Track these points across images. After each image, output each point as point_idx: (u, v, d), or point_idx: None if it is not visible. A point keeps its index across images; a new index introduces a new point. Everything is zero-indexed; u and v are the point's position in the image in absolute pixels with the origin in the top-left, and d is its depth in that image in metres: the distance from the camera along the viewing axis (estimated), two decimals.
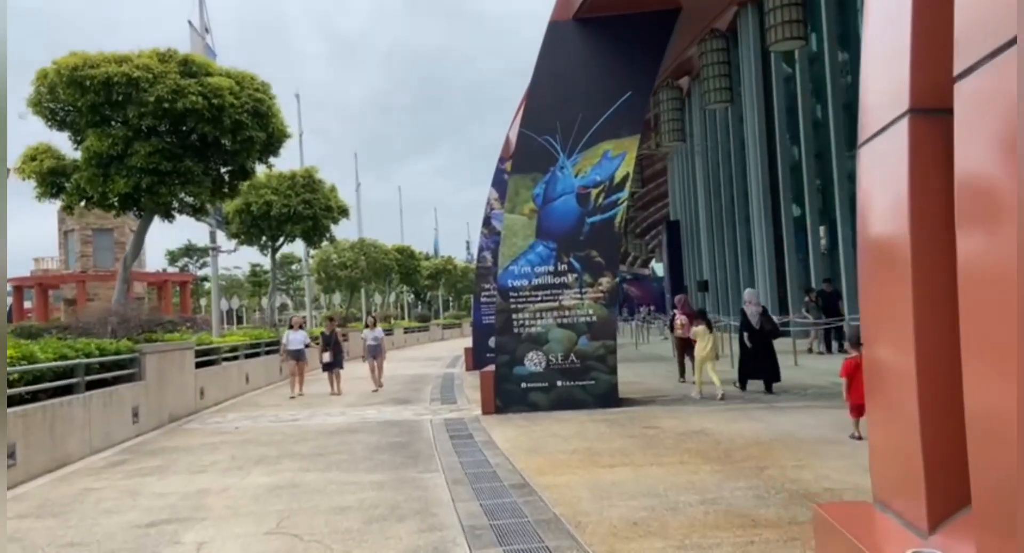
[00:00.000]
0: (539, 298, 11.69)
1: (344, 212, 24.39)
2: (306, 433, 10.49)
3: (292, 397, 15.04)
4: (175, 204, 13.82)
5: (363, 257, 36.49)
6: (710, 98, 25.20)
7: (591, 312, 11.63)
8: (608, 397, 11.47)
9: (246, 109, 12.98)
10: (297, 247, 32.47)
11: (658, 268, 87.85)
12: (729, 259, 40.79)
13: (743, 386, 13.10)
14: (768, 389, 12.49)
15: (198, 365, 14.09)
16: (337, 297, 55.03)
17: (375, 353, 15.57)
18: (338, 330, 15.95)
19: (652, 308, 56.50)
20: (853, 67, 26.37)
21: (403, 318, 57.49)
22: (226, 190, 14.27)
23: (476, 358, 21.08)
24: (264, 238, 23.58)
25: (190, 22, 18.48)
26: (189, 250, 73.92)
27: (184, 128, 12.74)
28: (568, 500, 5.93)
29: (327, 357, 15.29)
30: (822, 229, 29.13)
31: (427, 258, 58.50)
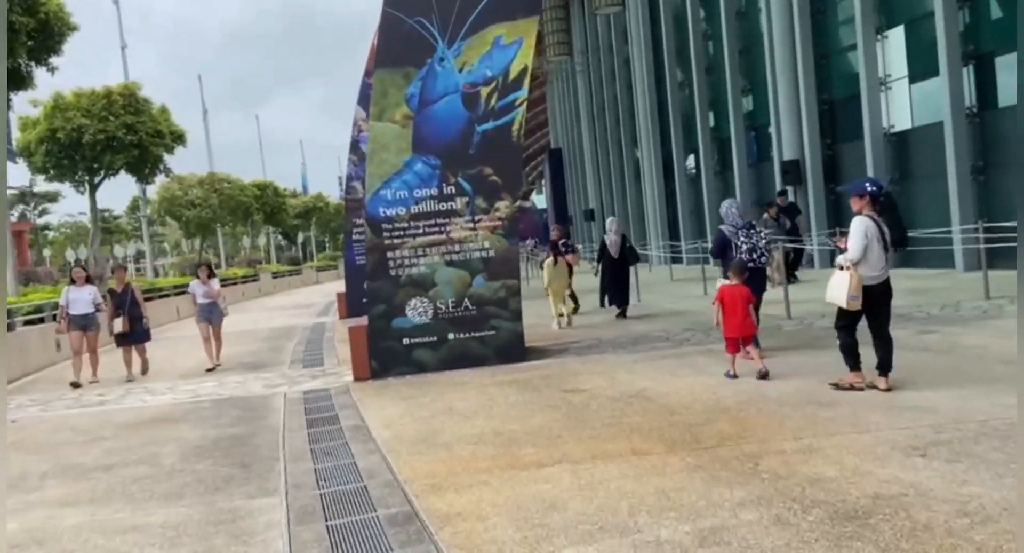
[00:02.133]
0: (420, 230, 9.20)
1: (179, 138, 20.59)
2: (106, 426, 7.69)
3: (75, 384, 10.45)
4: None
5: (215, 194, 32.32)
6: (600, 1, 22.81)
7: (487, 245, 9.28)
8: (513, 349, 9.28)
9: None
10: (130, 186, 27.80)
11: (539, 200, 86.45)
12: (616, 185, 39.41)
13: (602, 303, 13.72)
14: (623, 314, 13.17)
15: None
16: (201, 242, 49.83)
17: (209, 315, 11.32)
18: (135, 286, 11.60)
19: (537, 241, 55.13)
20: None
21: (272, 262, 53.26)
22: None
23: (350, 304, 18.54)
24: (79, 172, 19.51)
25: None
26: (25, 195, 65.43)
27: None
28: (483, 552, 3.65)
29: (120, 325, 10.58)
30: (714, 148, 27.89)
31: (294, 195, 54.02)
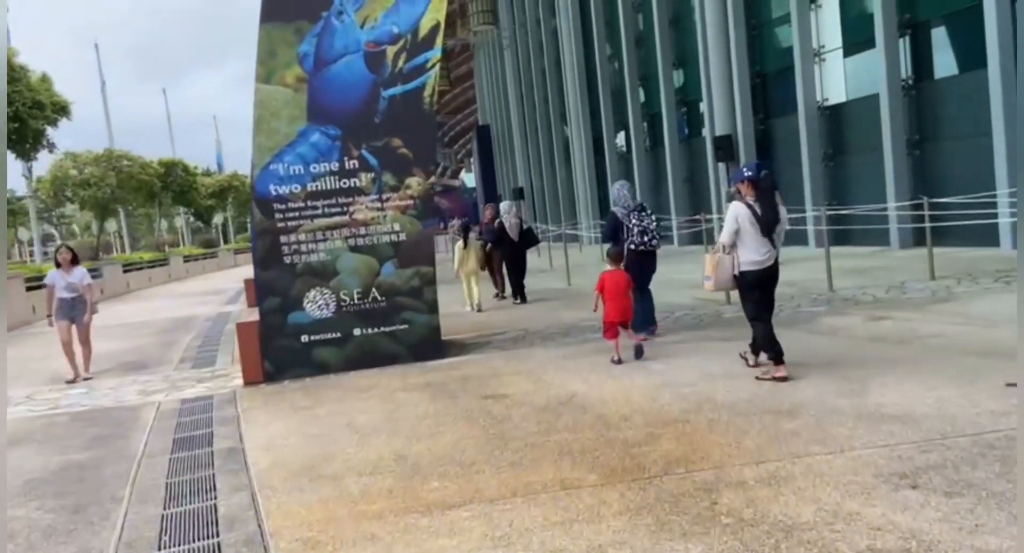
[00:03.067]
0: (319, 210, 8.04)
1: (62, 110, 18.61)
2: None
3: None
4: None
5: (113, 172, 29.95)
6: None
7: (397, 227, 8.19)
8: (428, 345, 8.26)
9: None
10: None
11: (469, 179, 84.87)
12: (545, 162, 38.56)
13: (523, 299, 12.78)
14: (523, 299, 12.76)
15: None
16: (115, 224, 46.39)
17: (71, 313, 9.07)
18: None
19: (465, 220, 54.00)
20: None
21: (185, 244, 50.49)
22: None
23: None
24: None
25: None
26: None
27: None
28: None
29: None
30: (645, 124, 27.26)
31: (207, 174, 51.19)
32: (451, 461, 4.69)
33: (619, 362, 6.96)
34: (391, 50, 8.00)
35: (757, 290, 5.96)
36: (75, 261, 9.45)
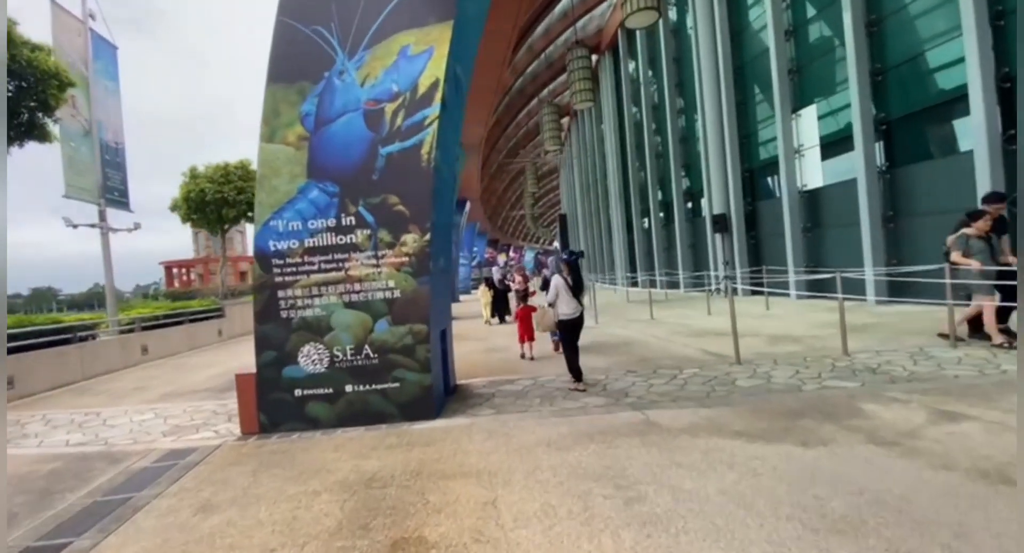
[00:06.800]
0: (316, 266, 4.53)
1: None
2: None
3: None
4: None
5: None
6: (578, 98, 17.98)
7: (392, 284, 4.53)
8: (419, 405, 4.48)
9: None
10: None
11: (558, 245, 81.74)
12: (595, 236, 34.20)
13: (501, 321, 11.42)
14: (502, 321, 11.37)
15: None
16: None
17: None
18: None
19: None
20: (687, 106, 19.47)
21: None
22: None
23: None
24: (211, 221, 15.59)
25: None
26: None
27: None
28: None
29: None
30: (661, 210, 22.60)
31: None
32: None
33: (531, 359, 6.61)
34: (390, 108, 4.47)
35: (568, 333, 4.91)
36: None
